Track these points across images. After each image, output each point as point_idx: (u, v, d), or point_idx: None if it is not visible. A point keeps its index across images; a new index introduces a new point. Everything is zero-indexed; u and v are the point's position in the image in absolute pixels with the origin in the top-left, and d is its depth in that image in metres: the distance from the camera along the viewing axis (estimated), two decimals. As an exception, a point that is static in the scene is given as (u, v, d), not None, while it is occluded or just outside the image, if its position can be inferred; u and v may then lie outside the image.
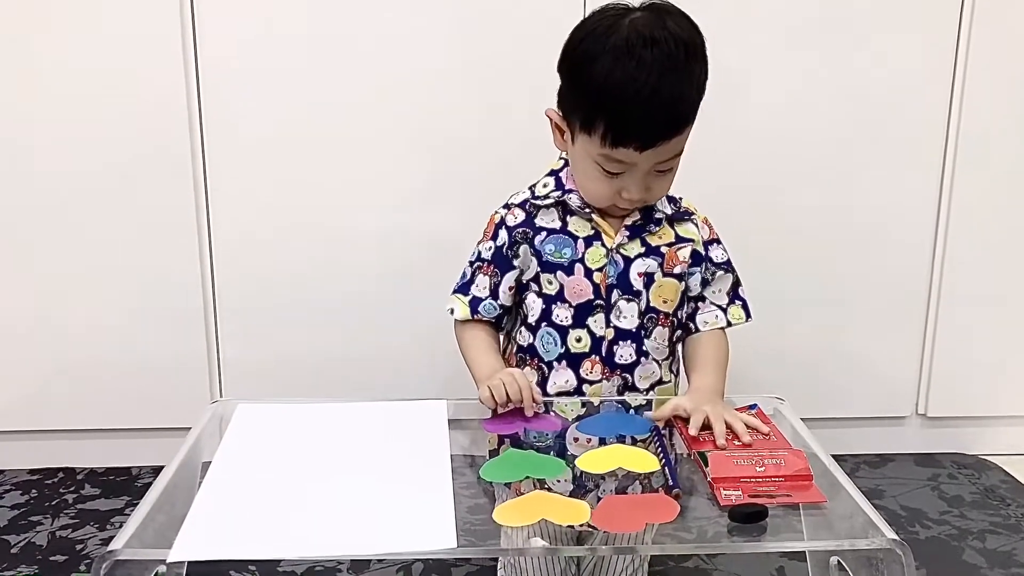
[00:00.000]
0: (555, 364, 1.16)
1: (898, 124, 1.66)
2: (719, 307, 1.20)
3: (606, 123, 1.05)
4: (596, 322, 1.14)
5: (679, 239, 1.17)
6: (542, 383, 1.16)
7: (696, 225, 1.19)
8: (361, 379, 1.69)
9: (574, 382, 1.15)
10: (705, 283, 1.20)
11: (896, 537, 0.83)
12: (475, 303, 1.18)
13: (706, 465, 0.97)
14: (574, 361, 1.15)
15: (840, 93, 1.64)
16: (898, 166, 1.68)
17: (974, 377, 1.79)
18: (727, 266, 1.21)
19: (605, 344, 1.14)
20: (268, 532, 0.83)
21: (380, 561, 1.40)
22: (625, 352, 1.15)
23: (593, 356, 1.15)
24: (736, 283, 1.22)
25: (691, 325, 1.21)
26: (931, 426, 1.82)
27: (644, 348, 1.15)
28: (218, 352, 1.69)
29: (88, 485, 1.66)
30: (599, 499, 0.92)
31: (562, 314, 1.15)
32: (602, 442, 1.05)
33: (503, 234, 1.17)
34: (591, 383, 1.15)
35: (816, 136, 1.66)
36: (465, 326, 1.20)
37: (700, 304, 1.20)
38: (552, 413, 1.12)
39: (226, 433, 1.03)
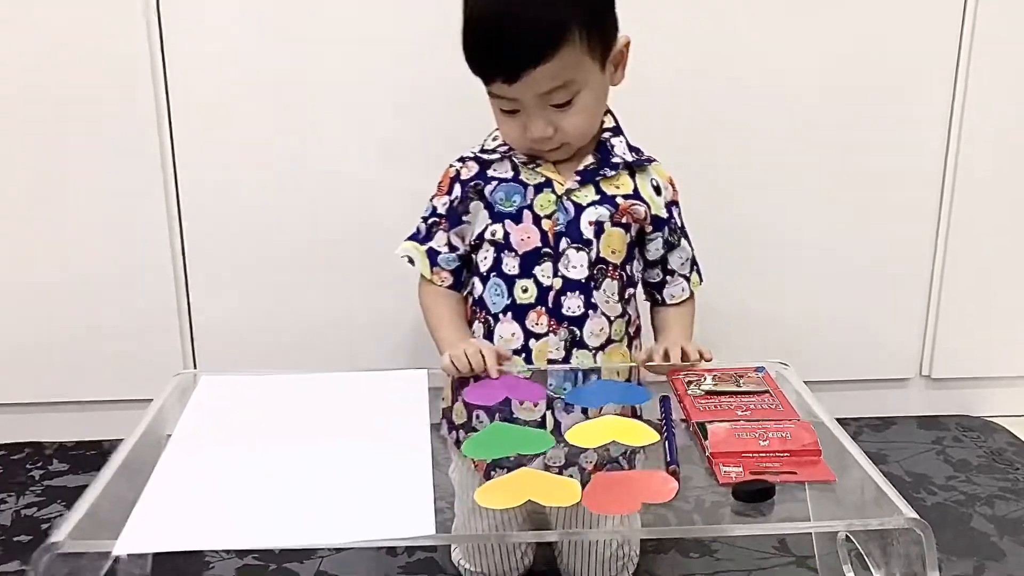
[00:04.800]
0: (501, 316, 1.12)
1: (904, 85, 1.59)
2: (684, 277, 1.19)
3: (472, 61, 1.06)
4: (543, 271, 1.10)
5: (636, 195, 1.13)
6: (487, 336, 1.13)
7: (658, 185, 1.16)
8: (341, 344, 1.62)
9: (520, 335, 1.11)
10: (671, 247, 1.17)
11: (916, 516, 0.76)
12: (433, 254, 1.16)
13: (705, 438, 0.90)
14: (520, 313, 1.11)
15: (845, 58, 1.57)
16: (903, 127, 1.62)
17: (979, 338, 1.73)
18: (683, 231, 1.19)
19: (552, 294, 1.10)
20: (227, 519, 0.76)
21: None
22: (572, 304, 1.11)
23: (539, 307, 1.10)
24: (692, 249, 1.21)
25: (657, 296, 1.20)
26: (935, 388, 1.77)
27: (593, 300, 1.11)
28: (190, 318, 1.62)
29: (56, 460, 1.59)
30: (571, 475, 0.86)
31: (510, 263, 1.11)
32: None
33: (457, 188, 1.15)
34: (537, 336, 1.11)
35: (818, 99, 1.59)
36: (429, 291, 1.18)
37: (669, 278, 1.19)
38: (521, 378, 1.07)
39: (186, 409, 0.96)
